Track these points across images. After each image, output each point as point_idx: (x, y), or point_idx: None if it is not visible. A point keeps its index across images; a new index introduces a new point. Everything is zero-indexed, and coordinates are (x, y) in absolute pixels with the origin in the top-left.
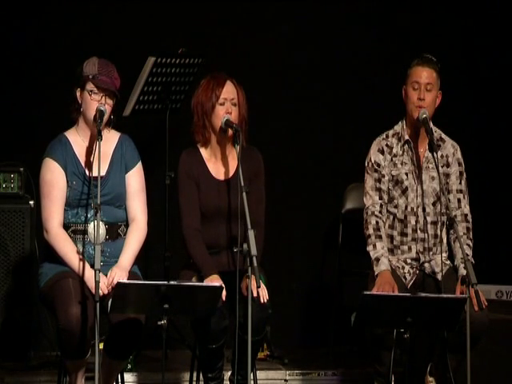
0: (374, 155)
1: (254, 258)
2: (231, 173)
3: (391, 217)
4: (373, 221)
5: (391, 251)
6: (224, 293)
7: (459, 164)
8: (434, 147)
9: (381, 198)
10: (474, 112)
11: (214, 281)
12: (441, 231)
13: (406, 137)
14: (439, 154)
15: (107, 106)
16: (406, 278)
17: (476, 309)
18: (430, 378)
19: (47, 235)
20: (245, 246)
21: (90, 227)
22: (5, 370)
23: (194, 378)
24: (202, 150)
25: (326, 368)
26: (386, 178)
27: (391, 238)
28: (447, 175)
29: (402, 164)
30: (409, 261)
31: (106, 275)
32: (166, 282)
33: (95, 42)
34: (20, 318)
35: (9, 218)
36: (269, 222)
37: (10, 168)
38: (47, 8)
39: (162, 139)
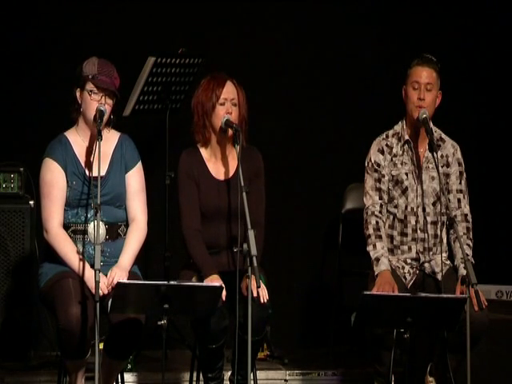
0: (374, 155)
1: (254, 258)
2: (231, 173)
3: (391, 217)
4: (373, 221)
5: (391, 251)
6: (224, 293)
7: (459, 164)
8: (434, 147)
9: (381, 198)
10: (474, 112)
11: (214, 281)
12: (441, 231)
13: (406, 137)
14: (439, 153)
15: (107, 105)
16: (406, 278)
17: (476, 309)
18: (430, 378)
19: (47, 235)
20: (245, 246)
21: (90, 227)
22: (5, 370)
23: (194, 378)
24: (202, 150)
25: (326, 368)
26: (386, 177)
27: (391, 238)
28: (447, 175)
29: (401, 164)
30: (409, 261)
31: (106, 275)
32: (166, 282)
33: (95, 42)
34: (20, 317)
35: (9, 218)
36: (269, 222)
37: (10, 168)
38: (47, 8)
39: (162, 139)
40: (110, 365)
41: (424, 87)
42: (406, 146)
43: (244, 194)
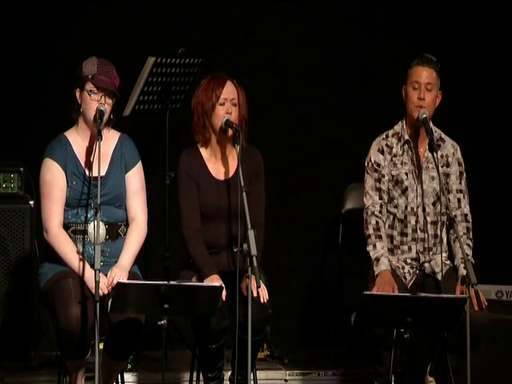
0: (373, 155)
1: (254, 258)
2: (231, 173)
3: (391, 217)
4: (373, 221)
5: (391, 251)
6: (224, 293)
7: (459, 164)
8: (433, 147)
9: (381, 197)
10: (474, 112)
11: (214, 281)
12: (441, 231)
13: (406, 137)
14: (439, 153)
15: (107, 105)
16: (405, 278)
17: (476, 309)
18: (430, 378)
19: (47, 235)
20: (245, 245)
21: (90, 227)
22: (5, 369)
23: (194, 378)
24: (202, 150)
25: (326, 368)
26: (386, 177)
27: (391, 238)
28: (447, 175)
29: (401, 164)
30: (409, 261)
31: (106, 275)
32: (166, 282)
33: (95, 42)
34: (20, 317)
35: (9, 218)
36: (269, 222)
37: (10, 168)
38: (47, 8)
39: (162, 139)
40: (110, 365)
41: (424, 87)
42: (405, 146)
43: (244, 193)
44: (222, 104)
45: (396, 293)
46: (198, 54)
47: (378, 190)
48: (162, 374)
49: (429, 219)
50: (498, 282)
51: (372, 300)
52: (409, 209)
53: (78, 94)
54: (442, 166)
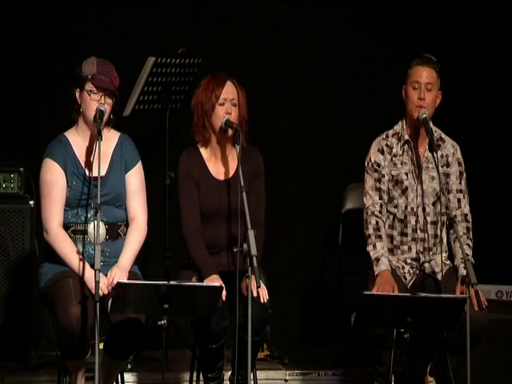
0: (373, 155)
1: (254, 258)
2: (231, 173)
3: (391, 217)
4: (373, 221)
5: (391, 251)
6: (224, 293)
7: (459, 164)
8: (433, 147)
9: (381, 197)
10: (474, 112)
11: (214, 281)
12: (441, 231)
13: (406, 137)
14: (439, 153)
15: (107, 105)
16: (406, 278)
17: (476, 309)
18: (430, 378)
19: (47, 235)
20: (245, 245)
21: (90, 227)
22: (5, 369)
23: (194, 378)
24: (202, 150)
25: (326, 368)
26: (386, 177)
27: (391, 238)
28: (447, 175)
29: (401, 164)
30: (409, 261)
31: (106, 275)
32: (166, 282)
33: (95, 42)
34: (20, 317)
35: (9, 218)
36: (269, 222)
37: (10, 168)
38: (47, 8)
39: (162, 139)
40: (110, 365)
41: (424, 87)
42: (405, 146)
43: (244, 193)
44: (222, 104)
45: (396, 293)
46: (198, 54)
47: (378, 190)
48: (162, 373)
49: (429, 219)
50: (498, 282)
51: (372, 300)
52: (409, 209)
53: (77, 94)
54: (442, 166)
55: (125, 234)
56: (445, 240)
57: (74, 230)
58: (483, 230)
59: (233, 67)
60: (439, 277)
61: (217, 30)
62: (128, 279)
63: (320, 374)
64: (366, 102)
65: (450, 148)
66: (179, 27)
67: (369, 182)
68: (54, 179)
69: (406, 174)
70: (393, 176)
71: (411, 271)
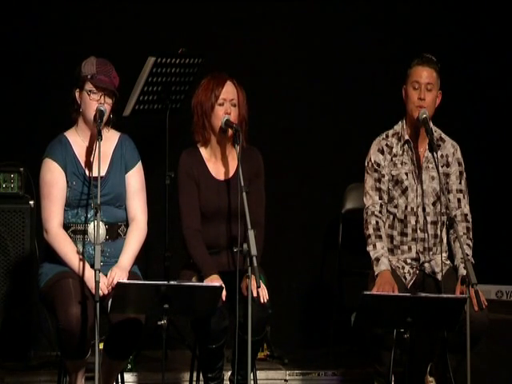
0: (373, 155)
1: (254, 258)
2: (231, 173)
3: (391, 217)
4: (373, 221)
5: (391, 251)
6: (224, 293)
7: (459, 164)
8: (433, 147)
9: (381, 197)
10: (474, 112)
11: (214, 281)
12: (441, 231)
13: (406, 137)
14: (439, 153)
15: (106, 105)
16: (405, 278)
17: (476, 309)
18: (430, 378)
19: (47, 235)
20: (245, 245)
21: (90, 227)
22: (5, 369)
23: (194, 378)
24: (202, 150)
25: (326, 368)
26: (386, 177)
27: (391, 237)
28: (447, 175)
29: (401, 164)
30: (409, 261)
31: (106, 275)
32: (166, 282)
33: (95, 42)
34: (20, 317)
35: (9, 218)
36: (269, 222)
37: (10, 168)
38: (47, 8)
39: (162, 139)
40: (110, 365)
41: (424, 87)
42: (405, 146)
43: (244, 194)
44: (221, 104)
45: (396, 293)
46: (198, 54)
47: (378, 189)
48: (162, 373)
49: (429, 219)
50: (498, 282)
51: (372, 300)
52: (409, 209)
53: (77, 94)
54: (441, 166)
55: (125, 234)
56: (445, 240)
57: (74, 230)
58: (483, 230)
59: (233, 67)
60: (439, 277)
61: (217, 30)
62: (128, 279)
63: (320, 374)
64: (366, 102)
65: (450, 148)
66: (179, 27)
67: (369, 181)
68: (54, 179)
69: (406, 173)
70: (393, 176)
71: (411, 271)
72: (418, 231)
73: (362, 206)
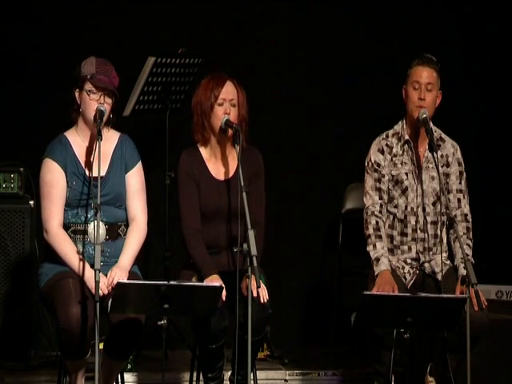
0: (373, 155)
1: (254, 258)
2: (231, 173)
3: (391, 217)
4: (373, 221)
5: (391, 251)
6: (224, 293)
7: (459, 164)
8: (433, 147)
9: (381, 197)
10: (474, 112)
11: (214, 281)
12: (441, 231)
13: (406, 137)
14: (439, 153)
15: (106, 105)
16: (405, 278)
17: (476, 309)
18: (430, 378)
19: (47, 235)
20: (245, 245)
21: (90, 227)
22: (5, 369)
23: (194, 378)
24: (202, 150)
25: (326, 368)
26: (386, 177)
27: (391, 237)
28: (447, 175)
29: (401, 164)
30: (409, 261)
31: (106, 275)
32: (166, 282)
33: (95, 41)
34: (20, 317)
35: (9, 218)
36: (269, 222)
37: (10, 168)
38: (47, 8)
39: (162, 139)
40: (110, 365)
41: (424, 87)
42: (405, 146)
43: (244, 194)
44: (221, 104)
45: (396, 293)
46: (198, 54)
47: (378, 189)
48: (162, 373)
49: (429, 219)
50: (498, 282)
51: (372, 300)
52: (409, 209)
53: (77, 95)
54: (441, 166)
55: (125, 234)
56: (445, 240)
57: (74, 230)
58: (483, 230)
59: (233, 67)
60: (439, 277)
61: (217, 30)
62: (128, 279)
63: (320, 374)
64: (366, 102)
65: (450, 148)
66: (179, 27)
67: (369, 181)
68: (54, 179)
69: (406, 173)
70: (393, 176)
71: (411, 271)
72: (418, 231)
73: (362, 206)
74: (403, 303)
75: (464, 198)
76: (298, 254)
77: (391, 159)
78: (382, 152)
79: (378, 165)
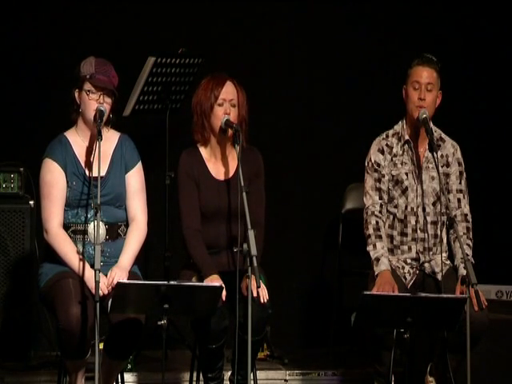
0: (373, 155)
1: (254, 258)
2: (231, 173)
3: (391, 217)
4: (373, 221)
5: (391, 251)
6: (224, 293)
7: (459, 164)
8: (433, 147)
9: (381, 197)
10: (474, 112)
11: (214, 281)
12: (441, 231)
13: (406, 137)
14: (439, 153)
15: (106, 104)
16: (405, 278)
17: (476, 309)
18: (430, 378)
19: (47, 235)
20: (245, 245)
21: (90, 227)
22: (5, 369)
23: (194, 378)
24: (202, 150)
25: (326, 368)
26: (386, 177)
27: (391, 237)
28: (447, 175)
29: (401, 164)
30: (409, 261)
31: (106, 275)
32: (166, 282)
33: (95, 41)
34: (20, 317)
35: (9, 218)
36: (269, 222)
37: (10, 168)
38: (47, 8)
39: (162, 139)
40: (110, 365)
41: (424, 87)
42: (406, 146)
43: (244, 194)
44: (221, 104)
45: (396, 293)
46: (198, 54)
47: (378, 189)
48: (162, 373)
49: (429, 219)
50: (498, 282)
51: (372, 300)
52: (409, 209)
53: (76, 95)
54: (441, 166)
55: (125, 234)
56: (445, 240)
57: (74, 230)
58: (483, 230)
59: (233, 67)
60: (439, 277)
61: (217, 29)
62: (128, 279)
63: (320, 374)
64: (366, 102)
65: (450, 148)
66: (179, 27)
67: (369, 181)
68: (54, 179)
69: (406, 173)
70: (393, 176)
71: (411, 271)
72: (418, 231)
73: (362, 206)
74: (403, 303)
75: (464, 198)
76: (298, 253)
77: (391, 159)
78: (382, 152)
79: (378, 165)
